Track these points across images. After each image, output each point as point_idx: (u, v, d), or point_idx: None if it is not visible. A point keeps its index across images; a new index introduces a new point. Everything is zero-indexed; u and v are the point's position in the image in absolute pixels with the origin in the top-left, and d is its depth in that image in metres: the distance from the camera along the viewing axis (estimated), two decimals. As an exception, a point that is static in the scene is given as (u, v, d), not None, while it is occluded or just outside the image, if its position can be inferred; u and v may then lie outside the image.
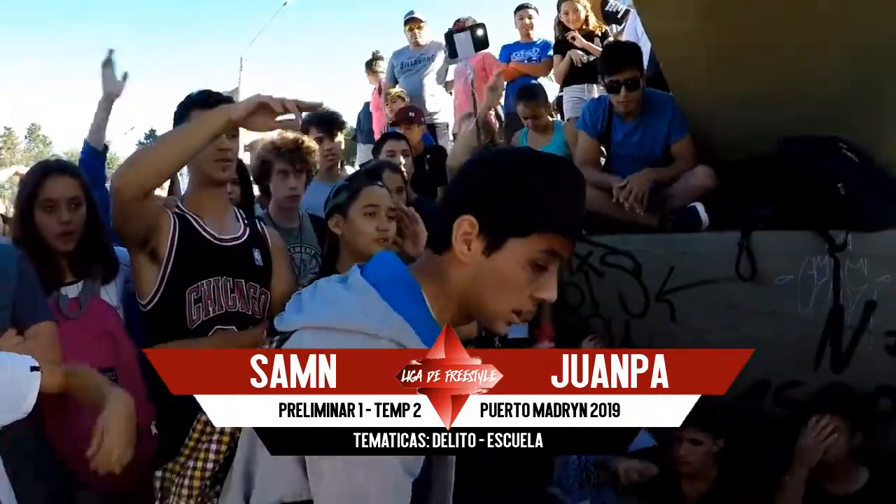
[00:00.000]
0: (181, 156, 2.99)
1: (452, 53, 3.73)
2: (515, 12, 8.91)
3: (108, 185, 4.03)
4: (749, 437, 4.40)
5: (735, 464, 4.16)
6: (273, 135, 4.61)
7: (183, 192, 4.19)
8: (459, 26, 3.78)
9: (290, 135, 4.62)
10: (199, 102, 3.38)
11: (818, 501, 4.00)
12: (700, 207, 4.73)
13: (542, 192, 1.66)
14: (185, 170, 3.61)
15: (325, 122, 5.46)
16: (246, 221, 3.65)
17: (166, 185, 4.64)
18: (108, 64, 4.61)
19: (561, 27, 7.99)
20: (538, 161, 1.74)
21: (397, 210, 3.59)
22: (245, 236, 3.55)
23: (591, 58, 7.64)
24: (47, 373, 2.54)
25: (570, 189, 1.72)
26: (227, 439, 1.84)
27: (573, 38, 7.81)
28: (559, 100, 8.18)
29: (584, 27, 7.84)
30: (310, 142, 4.75)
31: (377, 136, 8.36)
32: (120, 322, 3.43)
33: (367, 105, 9.85)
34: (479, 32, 3.95)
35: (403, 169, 5.05)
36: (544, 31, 8.76)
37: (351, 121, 9.61)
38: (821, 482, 4.01)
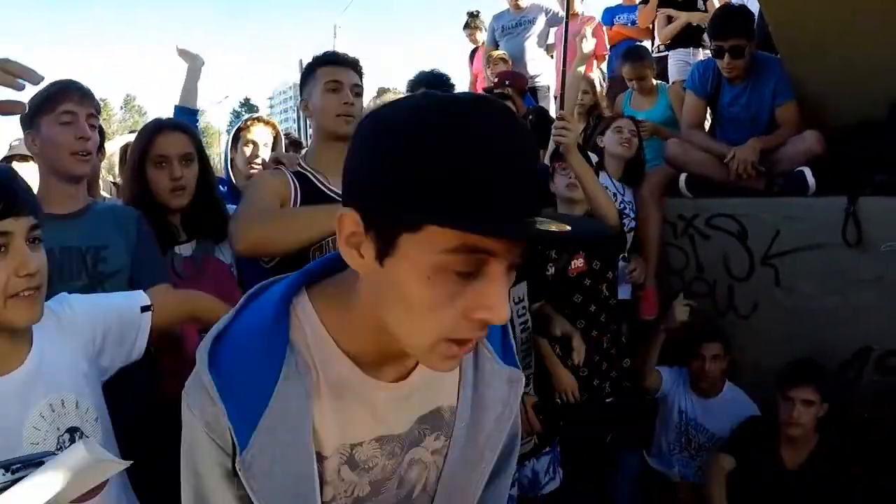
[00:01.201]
0: (295, 245, 3.02)
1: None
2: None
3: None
4: (848, 407, 4.41)
5: (834, 434, 4.17)
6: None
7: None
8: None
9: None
10: (328, 60, 3.45)
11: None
12: (807, 172, 4.71)
13: (431, 159, 1.10)
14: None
15: (435, 83, 5.44)
16: None
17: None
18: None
19: None
20: (430, 111, 1.15)
21: None
22: None
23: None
24: (160, 308, 2.56)
25: (479, 147, 1.10)
26: None
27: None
28: (661, 60, 8.10)
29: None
30: None
31: (479, 97, 8.43)
32: (234, 281, 3.48)
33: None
34: None
35: None
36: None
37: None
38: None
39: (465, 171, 1.09)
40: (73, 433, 2.08)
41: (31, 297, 1.99)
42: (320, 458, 1.38)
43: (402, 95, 4.78)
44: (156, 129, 3.44)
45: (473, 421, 1.55)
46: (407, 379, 1.44)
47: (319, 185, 3.40)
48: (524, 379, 1.62)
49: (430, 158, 1.10)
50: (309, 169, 3.45)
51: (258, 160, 4.53)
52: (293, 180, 3.36)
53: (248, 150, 4.61)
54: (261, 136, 4.66)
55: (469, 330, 1.20)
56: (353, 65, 3.51)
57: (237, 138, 4.70)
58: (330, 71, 3.43)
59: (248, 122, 4.74)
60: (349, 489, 1.45)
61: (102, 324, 2.33)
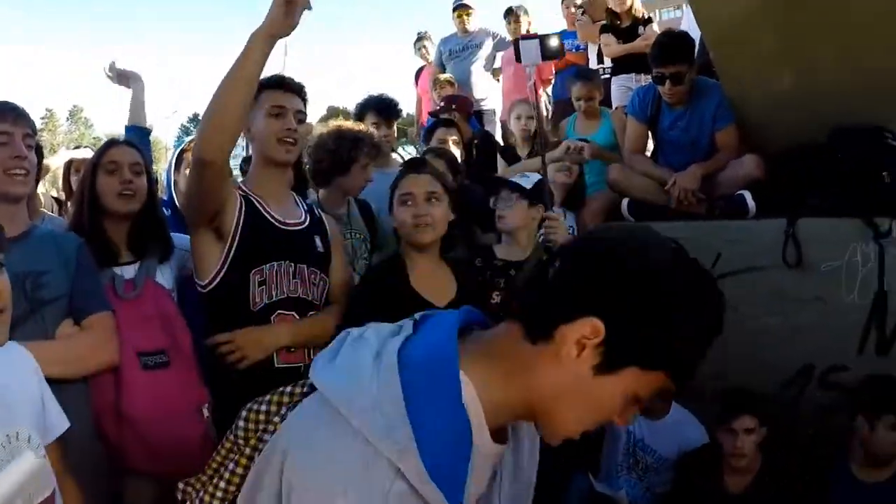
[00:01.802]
0: (246, 93, 2.93)
1: (517, 58, 3.70)
2: (562, 1, 9.00)
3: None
4: (792, 426, 4.49)
5: (778, 455, 4.21)
6: (321, 126, 4.71)
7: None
8: (528, 35, 3.79)
9: (363, 127, 4.70)
10: (273, 84, 3.44)
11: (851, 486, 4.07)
12: (747, 195, 4.80)
13: (688, 333, 1.35)
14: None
15: (383, 108, 5.53)
16: (305, 207, 3.68)
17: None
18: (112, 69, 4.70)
19: (610, 12, 7.99)
20: (693, 289, 1.37)
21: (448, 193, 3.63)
22: (307, 222, 3.57)
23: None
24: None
25: (708, 331, 1.39)
26: (245, 462, 1.59)
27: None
28: (605, 84, 8.18)
29: (630, 13, 7.86)
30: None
31: (423, 120, 8.48)
32: (174, 304, 3.47)
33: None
34: (553, 43, 3.93)
35: (457, 154, 5.21)
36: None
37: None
38: (862, 470, 4.06)
39: (702, 348, 1.38)
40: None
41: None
42: None
43: (352, 121, 4.81)
44: (109, 143, 3.60)
45: (515, 458, 1.62)
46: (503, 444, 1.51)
47: (262, 210, 3.40)
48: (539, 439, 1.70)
49: (690, 336, 1.36)
50: (251, 193, 3.43)
51: None
52: (239, 198, 3.34)
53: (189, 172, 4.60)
54: None
55: (596, 426, 1.43)
56: (297, 91, 3.51)
57: (180, 160, 4.73)
58: (274, 96, 3.41)
59: (191, 144, 4.72)
60: None
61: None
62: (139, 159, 3.49)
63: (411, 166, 3.81)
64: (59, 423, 2.38)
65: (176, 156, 4.74)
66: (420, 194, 3.51)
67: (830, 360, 4.51)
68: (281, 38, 2.88)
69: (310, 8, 2.84)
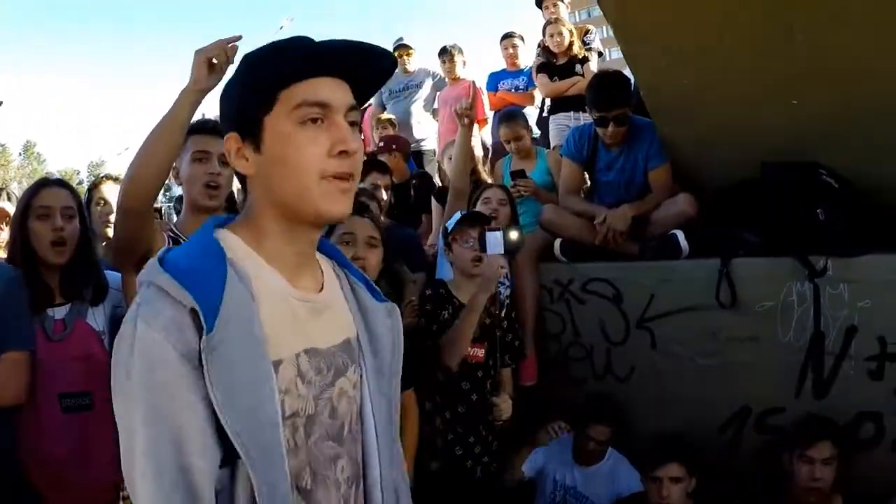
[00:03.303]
0: (169, 148, 2.94)
1: (483, 248, 3.89)
2: (501, 41, 8.95)
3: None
4: (726, 471, 4.43)
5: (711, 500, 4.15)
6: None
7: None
8: (493, 227, 3.92)
9: None
10: (197, 129, 3.41)
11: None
12: (680, 235, 4.74)
13: (255, 63, 1.67)
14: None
15: None
16: None
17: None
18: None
19: (545, 51, 8.01)
20: (242, 59, 1.73)
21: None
22: None
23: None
24: None
25: (270, 46, 1.67)
26: None
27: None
28: (545, 123, 8.16)
29: (568, 52, 7.85)
30: None
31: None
32: (102, 346, 3.42)
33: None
34: (514, 236, 4.08)
35: (384, 198, 5.23)
36: (530, 59, 8.76)
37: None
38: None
39: (274, 55, 1.65)
40: None
41: None
42: (275, 363, 1.55)
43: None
44: (39, 183, 3.55)
45: (373, 350, 1.84)
46: (320, 293, 1.76)
47: None
48: (398, 309, 1.99)
49: (259, 60, 1.66)
50: (180, 236, 3.39)
51: (112, 217, 4.43)
52: (169, 241, 3.31)
53: (98, 209, 4.67)
54: (112, 194, 4.63)
55: (336, 165, 1.60)
56: (223, 134, 3.42)
57: (90, 198, 4.72)
58: (198, 140, 3.38)
59: (99, 181, 4.80)
60: (304, 406, 1.62)
61: None
62: (71, 202, 3.46)
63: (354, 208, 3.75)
64: None
65: (87, 194, 4.66)
66: (361, 237, 3.55)
67: (767, 402, 4.46)
68: (208, 91, 2.90)
69: (232, 62, 2.90)
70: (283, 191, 1.62)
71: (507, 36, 8.94)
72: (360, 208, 3.80)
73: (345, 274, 1.92)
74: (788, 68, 4.25)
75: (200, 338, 1.41)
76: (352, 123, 1.68)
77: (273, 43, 1.69)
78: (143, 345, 1.41)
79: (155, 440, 1.40)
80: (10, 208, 4.51)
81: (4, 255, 3.79)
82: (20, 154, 75.99)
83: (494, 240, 3.94)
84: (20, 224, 3.36)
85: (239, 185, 1.92)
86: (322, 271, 1.83)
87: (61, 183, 3.62)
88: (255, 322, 1.52)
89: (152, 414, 1.40)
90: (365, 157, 6.23)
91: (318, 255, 1.85)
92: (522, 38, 8.97)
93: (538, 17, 8.50)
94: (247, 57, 1.70)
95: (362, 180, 5.36)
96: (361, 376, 1.80)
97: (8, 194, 4.95)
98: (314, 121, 1.60)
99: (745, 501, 4.29)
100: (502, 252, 3.97)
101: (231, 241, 1.65)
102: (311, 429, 1.64)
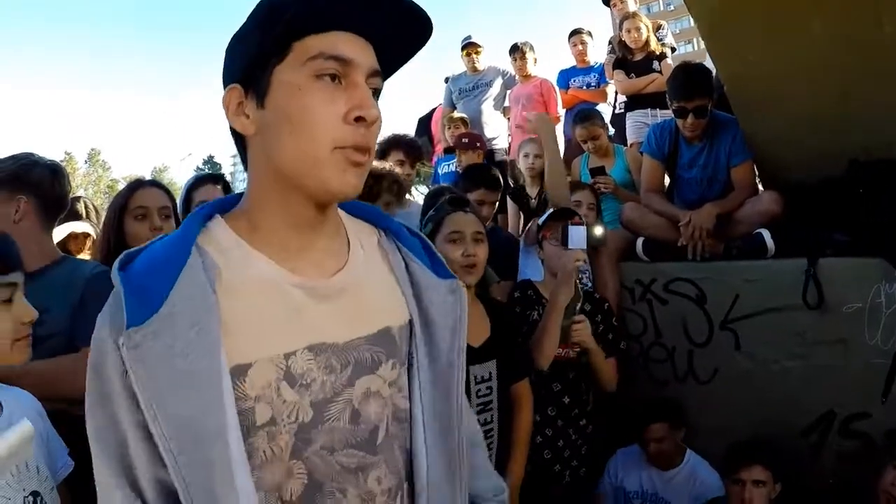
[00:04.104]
0: None
1: (564, 242, 3.84)
2: (569, 38, 8.90)
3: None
4: (809, 477, 4.34)
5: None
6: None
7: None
8: (577, 221, 3.87)
9: (387, 165, 4.63)
10: (197, 184, 3.47)
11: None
12: (766, 234, 4.66)
13: (271, 7, 1.43)
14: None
15: (412, 148, 5.57)
16: None
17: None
18: None
19: (622, 45, 7.94)
20: (257, 4, 1.48)
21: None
22: None
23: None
24: None
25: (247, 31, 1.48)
26: None
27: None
28: (620, 119, 8.10)
29: (645, 48, 7.78)
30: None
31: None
32: None
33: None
34: (598, 232, 4.06)
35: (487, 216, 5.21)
36: (599, 54, 8.72)
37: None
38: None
39: (292, 2, 1.39)
40: (36, 497, 2.06)
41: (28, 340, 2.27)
42: (241, 367, 1.37)
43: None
44: (136, 184, 3.59)
45: (427, 335, 1.61)
46: (331, 279, 1.52)
47: None
48: (464, 289, 1.72)
49: (277, 3, 1.41)
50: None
51: None
52: None
53: None
54: (210, 195, 4.60)
55: (353, 134, 1.40)
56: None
57: (189, 199, 4.66)
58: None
59: (198, 183, 4.72)
60: (292, 412, 1.42)
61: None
62: (167, 202, 3.52)
63: (456, 204, 3.77)
64: (65, 464, 2.37)
65: (184, 197, 4.65)
66: (469, 234, 3.54)
67: (852, 407, 4.34)
68: None
69: None
70: (284, 153, 1.43)
71: (576, 32, 8.88)
72: (460, 203, 3.79)
73: (396, 246, 1.70)
74: (877, 61, 4.16)
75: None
76: (374, 91, 1.48)
77: None
78: (98, 348, 1.35)
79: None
80: (87, 226, 4.54)
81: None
82: (85, 162, 77.58)
83: (577, 234, 3.90)
84: (115, 225, 3.39)
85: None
86: (349, 249, 1.61)
87: (156, 183, 3.64)
88: (212, 318, 1.33)
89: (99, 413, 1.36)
90: (473, 165, 6.17)
91: (357, 227, 1.68)
92: (591, 34, 8.88)
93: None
94: (262, 1, 1.47)
95: (469, 192, 5.29)
96: (411, 369, 1.60)
97: (85, 203, 4.98)
98: (332, 78, 1.41)
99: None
100: (584, 247, 3.93)
101: (216, 230, 1.49)
102: (308, 436, 1.43)
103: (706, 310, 4.76)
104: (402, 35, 1.53)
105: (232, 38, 1.52)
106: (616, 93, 8.40)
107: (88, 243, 4.45)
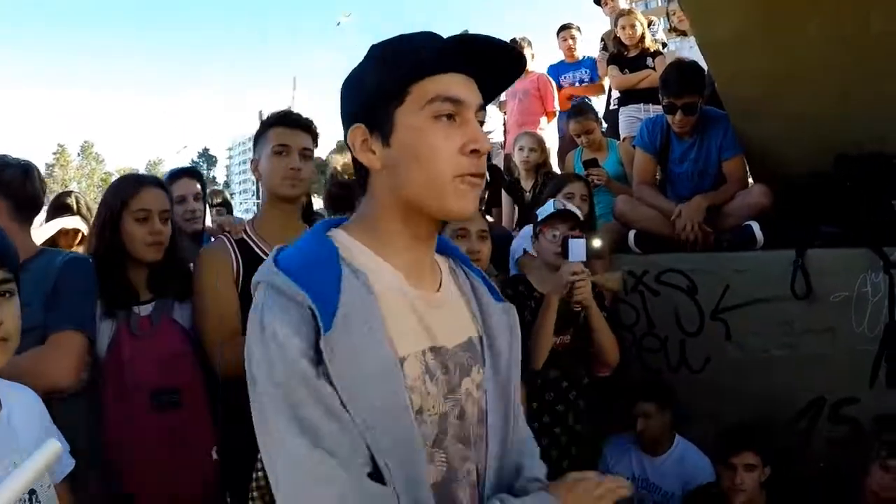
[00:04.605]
0: None
1: (565, 255, 3.88)
2: (558, 33, 8.97)
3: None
4: (800, 462, 4.43)
5: (785, 496, 4.14)
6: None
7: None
8: (577, 234, 3.91)
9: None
10: (279, 121, 3.45)
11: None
12: (755, 226, 4.77)
13: (386, 55, 1.65)
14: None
15: None
16: None
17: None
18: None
19: (617, 42, 8.02)
20: (370, 50, 1.68)
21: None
22: None
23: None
24: None
25: (401, 38, 1.66)
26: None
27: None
28: (613, 115, 8.19)
29: (640, 44, 7.85)
30: None
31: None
32: (189, 343, 3.37)
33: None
34: (597, 244, 4.10)
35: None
36: (588, 49, 8.85)
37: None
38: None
39: (409, 48, 1.61)
40: (32, 495, 2.04)
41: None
42: (400, 359, 1.55)
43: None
44: (139, 182, 3.44)
45: (492, 349, 1.79)
46: (437, 292, 1.74)
47: (263, 255, 3.35)
48: (514, 309, 1.91)
49: (392, 52, 1.64)
50: (254, 237, 3.45)
51: (195, 212, 4.70)
52: (235, 253, 3.37)
53: (180, 207, 4.69)
54: (188, 189, 4.83)
55: (468, 164, 1.58)
56: (305, 127, 3.49)
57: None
58: (280, 133, 3.42)
59: (173, 178, 4.86)
60: (434, 404, 1.61)
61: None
62: (168, 205, 3.44)
63: None
64: (66, 462, 2.36)
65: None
66: (475, 231, 3.64)
67: (841, 392, 4.44)
68: None
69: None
70: (412, 185, 1.59)
71: (565, 27, 8.94)
72: None
73: (463, 271, 1.89)
74: (866, 60, 4.25)
75: (319, 336, 1.42)
76: (480, 123, 1.68)
77: (403, 35, 1.66)
78: (276, 344, 1.43)
79: (301, 448, 1.42)
80: (78, 221, 4.52)
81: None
82: (79, 154, 77.26)
83: (577, 247, 3.94)
84: (114, 222, 3.30)
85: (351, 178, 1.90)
86: (440, 269, 1.81)
87: (159, 183, 3.54)
88: (376, 316, 1.52)
89: (297, 424, 1.42)
90: None
91: (435, 254, 1.82)
92: (580, 30, 8.94)
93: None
94: (375, 49, 1.68)
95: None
96: (484, 377, 1.76)
97: (76, 198, 4.98)
98: (449, 117, 1.58)
99: (819, 493, 4.29)
100: (584, 259, 3.98)
101: (344, 239, 1.65)
102: (445, 426, 1.62)
103: (697, 300, 4.84)
104: (499, 71, 1.72)
105: (349, 79, 1.71)
106: (609, 88, 8.47)
107: (79, 239, 4.41)
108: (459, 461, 1.65)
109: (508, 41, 1.65)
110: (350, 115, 1.69)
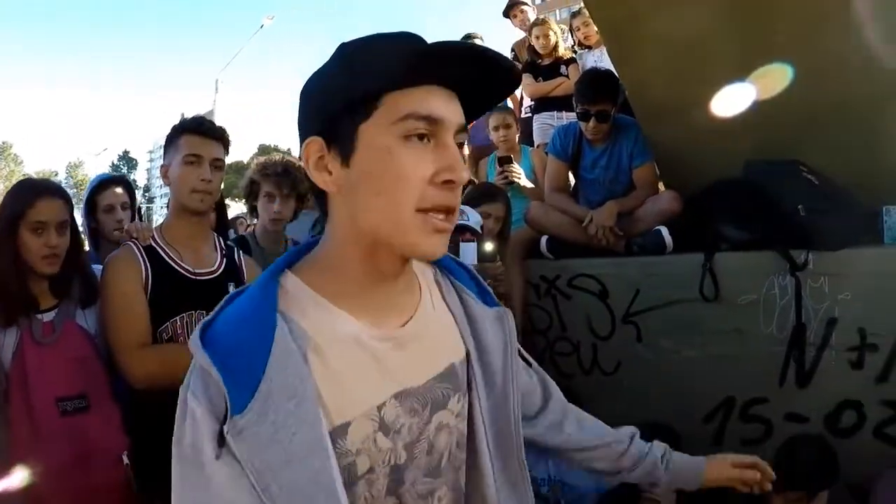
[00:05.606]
0: None
1: (455, 254, 3.87)
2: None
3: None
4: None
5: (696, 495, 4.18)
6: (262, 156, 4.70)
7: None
8: (468, 238, 3.91)
9: (278, 157, 4.68)
10: (192, 129, 3.42)
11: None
12: (664, 231, 4.85)
13: (355, 58, 1.40)
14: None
15: None
16: (224, 252, 3.65)
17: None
18: None
19: (530, 51, 8.09)
20: (338, 49, 1.44)
21: None
22: (220, 269, 3.56)
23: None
24: None
25: (375, 38, 1.41)
26: None
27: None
28: (527, 123, 8.19)
29: (553, 52, 7.94)
30: (299, 168, 4.68)
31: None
32: (94, 348, 3.34)
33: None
34: (488, 248, 4.12)
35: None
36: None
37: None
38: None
39: (383, 56, 1.35)
40: None
41: None
42: (341, 427, 1.38)
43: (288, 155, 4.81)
44: (35, 192, 3.32)
45: (483, 364, 1.65)
46: (404, 328, 1.52)
47: (171, 262, 3.38)
48: (510, 314, 1.77)
49: (362, 53, 1.40)
50: (162, 244, 3.43)
51: (124, 222, 4.55)
52: (143, 259, 3.34)
53: (107, 216, 4.68)
54: (116, 198, 4.71)
55: (437, 195, 1.36)
56: (218, 136, 3.47)
57: (94, 203, 4.72)
58: (192, 142, 3.39)
59: (101, 187, 4.76)
60: (387, 458, 1.46)
61: None
62: (66, 215, 3.34)
63: None
64: None
65: (87, 199, 4.64)
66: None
67: (751, 392, 4.54)
68: None
69: None
70: (370, 215, 1.39)
71: (469, 37, 8.71)
72: None
73: (450, 281, 1.72)
74: (771, 61, 4.35)
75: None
76: (459, 146, 1.43)
77: (379, 35, 1.41)
78: (192, 419, 1.28)
79: None
80: None
81: None
82: (-4, 156, 75.72)
83: (468, 251, 3.96)
84: (8, 231, 3.22)
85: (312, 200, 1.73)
86: (420, 287, 1.63)
87: (58, 192, 3.41)
88: (308, 388, 1.32)
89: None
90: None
91: (417, 266, 1.64)
92: (482, 40, 8.93)
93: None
94: (345, 48, 1.43)
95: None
96: (471, 393, 1.63)
97: None
98: (420, 137, 1.36)
99: (731, 492, 4.34)
100: (474, 262, 3.98)
101: (293, 287, 1.45)
102: (401, 476, 1.49)
103: (608, 304, 4.90)
104: (491, 85, 1.50)
105: (310, 84, 1.48)
106: (522, 96, 8.55)
107: None
108: (419, 498, 1.53)
109: (462, 37, 1.59)
110: (306, 123, 1.47)
